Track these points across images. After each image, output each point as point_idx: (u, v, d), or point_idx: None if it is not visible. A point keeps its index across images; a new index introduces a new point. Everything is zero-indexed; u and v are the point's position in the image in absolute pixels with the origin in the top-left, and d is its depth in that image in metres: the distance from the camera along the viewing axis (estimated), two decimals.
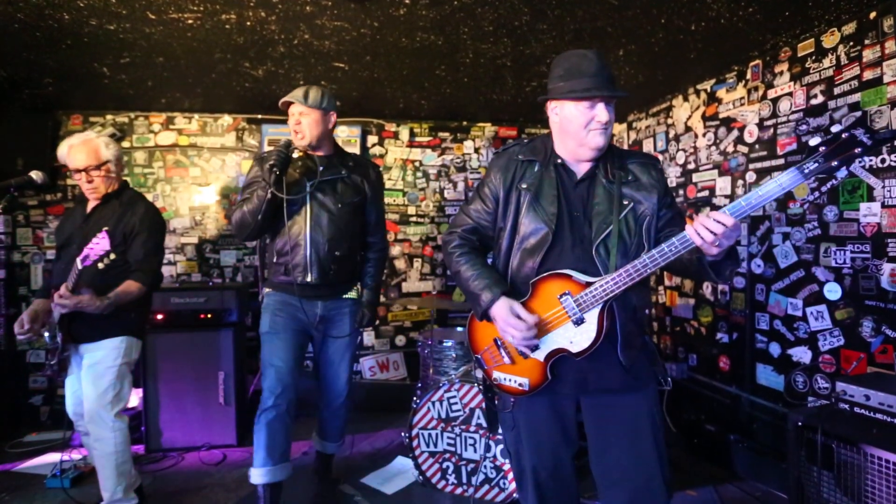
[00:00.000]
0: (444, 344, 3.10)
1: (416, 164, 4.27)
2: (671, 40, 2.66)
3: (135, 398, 3.22)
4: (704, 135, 3.36)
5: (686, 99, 3.52)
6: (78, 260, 1.95)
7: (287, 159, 2.18)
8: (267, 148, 3.93)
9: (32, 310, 2.25)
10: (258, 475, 2.24)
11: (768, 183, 1.31)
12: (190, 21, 2.41)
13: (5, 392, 3.60)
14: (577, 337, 1.43)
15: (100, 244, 1.89)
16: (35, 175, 2.07)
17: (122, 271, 2.21)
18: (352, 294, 2.46)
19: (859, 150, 1.24)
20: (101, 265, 1.91)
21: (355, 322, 2.45)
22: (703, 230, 1.27)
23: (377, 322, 4.29)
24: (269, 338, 2.29)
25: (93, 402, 2.21)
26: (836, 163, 1.26)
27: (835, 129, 1.28)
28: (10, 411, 3.62)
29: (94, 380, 2.21)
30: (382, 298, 4.19)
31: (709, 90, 3.31)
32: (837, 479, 1.79)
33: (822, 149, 1.27)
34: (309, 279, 2.26)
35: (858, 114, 2.37)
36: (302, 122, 2.24)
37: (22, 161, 3.26)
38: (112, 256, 1.92)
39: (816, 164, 1.27)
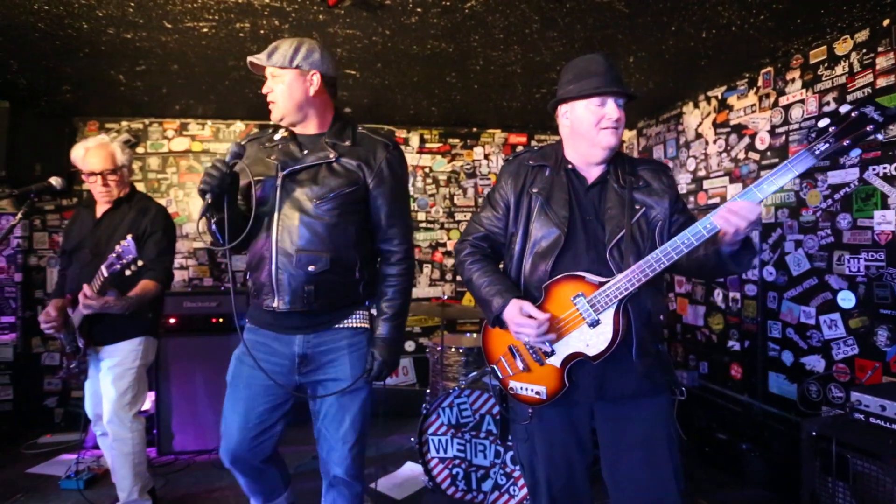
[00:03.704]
0: (454, 350, 3.10)
1: (427, 170, 4.29)
2: (682, 47, 2.67)
3: (147, 401, 3.25)
4: (715, 141, 3.35)
5: (696, 106, 3.52)
6: (103, 267, 1.95)
7: (226, 178, 1.55)
8: None
9: (55, 305, 2.27)
10: None
11: (779, 169, 1.27)
12: (205, 30, 2.45)
13: (21, 394, 3.65)
14: (592, 339, 1.42)
15: (126, 250, 1.88)
16: (54, 181, 2.10)
17: (137, 271, 2.23)
18: (351, 323, 1.72)
19: (871, 127, 1.20)
20: (128, 272, 1.91)
21: (363, 365, 1.69)
22: (734, 217, 1.26)
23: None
24: (228, 391, 1.73)
25: (113, 403, 2.24)
26: (847, 142, 1.22)
27: (843, 108, 1.23)
28: (26, 413, 3.67)
29: (113, 381, 2.25)
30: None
31: (720, 97, 3.30)
32: (853, 491, 1.77)
33: (831, 129, 1.23)
34: (275, 305, 1.64)
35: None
36: (274, 89, 1.67)
37: (40, 166, 3.32)
38: (140, 263, 1.90)
39: (827, 145, 1.23)
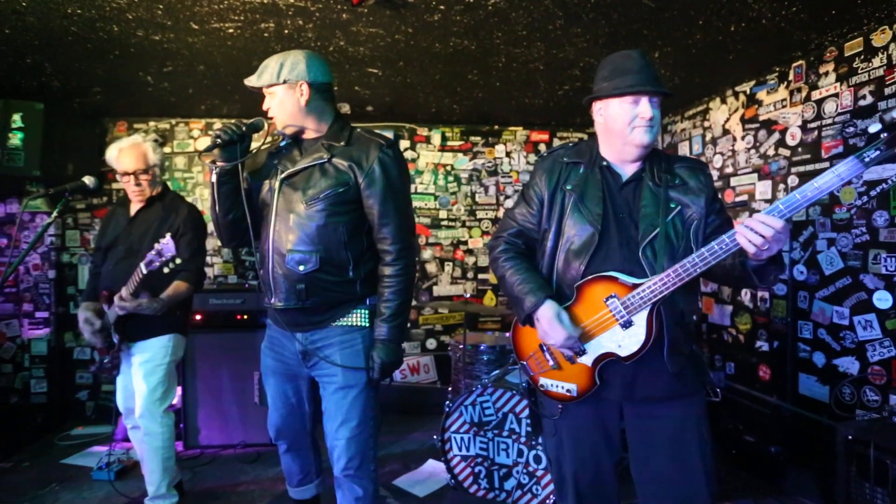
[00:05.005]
0: (477, 348, 3.09)
1: (448, 168, 4.29)
2: (709, 42, 2.61)
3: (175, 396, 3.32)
4: (743, 137, 3.27)
5: (724, 101, 3.44)
6: (142, 265, 1.99)
7: (238, 134, 1.70)
8: None
9: (91, 312, 2.33)
10: (288, 489, 2.15)
11: (825, 175, 1.23)
12: (231, 30, 2.49)
13: (54, 387, 3.77)
14: (625, 340, 1.41)
15: (166, 248, 1.92)
16: (88, 180, 2.16)
17: (174, 269, 2.27)
18: (347, 321, 1.77)
19: None
20: (166, 270, 1.95)
21: (355, 361, 1.74)
22: (752, 234, 1.23)
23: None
24: (264, 378, 1.96)
25: (144, 398, 2.30)
26: None
27: None
28: (59, 405, 3.78)
29: (145, 377, 2.30)
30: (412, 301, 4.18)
31: (748, 92, 3.22)
32: (892, 496, 1.71)
33: (883, 135, 1.20)
34: (273, 302, 1.75)
35: None
36: (271, 106, 1.76)
37: (72, 166, 3.41)
38: (178, 261, 1.94)
39: (878, 152, 1.19)
